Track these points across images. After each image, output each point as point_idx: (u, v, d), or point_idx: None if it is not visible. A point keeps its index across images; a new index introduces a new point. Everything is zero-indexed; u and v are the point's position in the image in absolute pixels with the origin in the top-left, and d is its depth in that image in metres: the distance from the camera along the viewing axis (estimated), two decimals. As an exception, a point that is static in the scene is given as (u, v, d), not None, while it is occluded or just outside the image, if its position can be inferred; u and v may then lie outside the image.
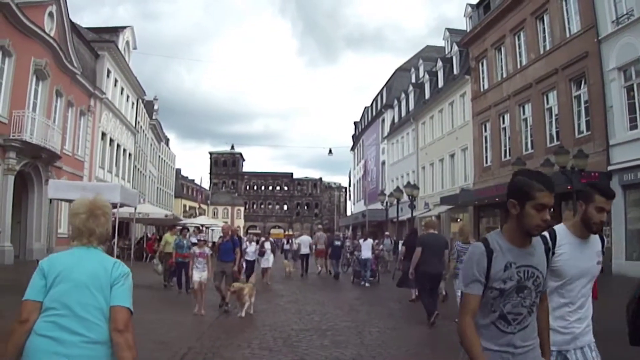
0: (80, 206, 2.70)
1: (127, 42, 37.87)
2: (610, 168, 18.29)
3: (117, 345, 2.46)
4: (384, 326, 9.49)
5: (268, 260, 18.13)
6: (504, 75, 26.57)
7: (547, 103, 22.88)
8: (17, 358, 2.41)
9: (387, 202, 31.28)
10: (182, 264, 14.22)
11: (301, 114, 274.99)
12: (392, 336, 8.60)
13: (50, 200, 12.72)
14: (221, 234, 13.63)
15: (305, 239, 23.27)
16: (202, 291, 10.81)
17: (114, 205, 13.04)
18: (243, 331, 8.95)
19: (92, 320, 2.44)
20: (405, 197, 28.18)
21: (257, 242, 18.86)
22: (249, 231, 20.60)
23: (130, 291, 2.60)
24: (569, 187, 16.20)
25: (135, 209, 22.80)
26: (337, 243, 21.26)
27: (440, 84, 36.43)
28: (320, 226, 65.12)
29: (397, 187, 29.36)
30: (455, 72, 33.90)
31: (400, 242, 18.86)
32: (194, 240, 15.23)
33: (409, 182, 31.62)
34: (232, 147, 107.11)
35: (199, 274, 10.91)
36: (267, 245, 18.67)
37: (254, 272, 16.15)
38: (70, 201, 14.64)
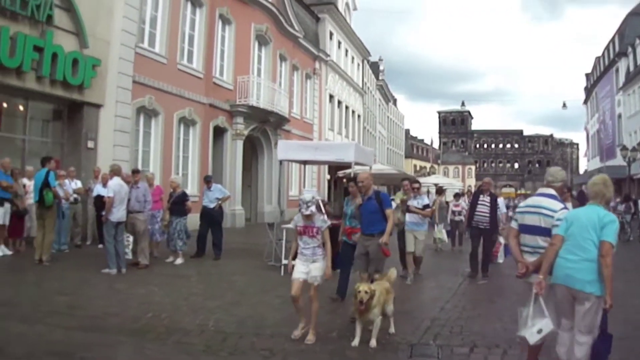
0: (598, 179, 4.61)
1: (347, 4, 37.71)
2: None
3: (600, 264, 4.17)
4: None
5: None
6: None
7: None
8: (550, 268, 4.40)
9: (629, 157, 27.45)
10: None
11: (529, 69, 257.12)
12: None
13: (280, 161, 12.16)
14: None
15: None
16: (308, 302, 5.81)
17: (349, 165, 12.25)
18: (492, 301, 8.05)
19: (585, 247, 4.26)
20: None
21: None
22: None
23: (615, 232, 4.22)
24: None
25: (371, 168, 22.01)
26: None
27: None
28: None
29: (641, 142, 24.73)
30: None
31: None
32: (425, 200, 10.49)
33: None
34: (463, 104, 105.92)
35: (300, 269, 5.76)
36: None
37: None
38: (300, 162, 14.10)
